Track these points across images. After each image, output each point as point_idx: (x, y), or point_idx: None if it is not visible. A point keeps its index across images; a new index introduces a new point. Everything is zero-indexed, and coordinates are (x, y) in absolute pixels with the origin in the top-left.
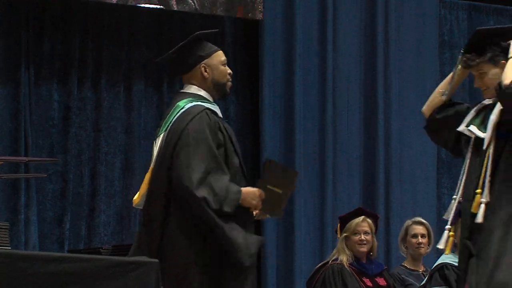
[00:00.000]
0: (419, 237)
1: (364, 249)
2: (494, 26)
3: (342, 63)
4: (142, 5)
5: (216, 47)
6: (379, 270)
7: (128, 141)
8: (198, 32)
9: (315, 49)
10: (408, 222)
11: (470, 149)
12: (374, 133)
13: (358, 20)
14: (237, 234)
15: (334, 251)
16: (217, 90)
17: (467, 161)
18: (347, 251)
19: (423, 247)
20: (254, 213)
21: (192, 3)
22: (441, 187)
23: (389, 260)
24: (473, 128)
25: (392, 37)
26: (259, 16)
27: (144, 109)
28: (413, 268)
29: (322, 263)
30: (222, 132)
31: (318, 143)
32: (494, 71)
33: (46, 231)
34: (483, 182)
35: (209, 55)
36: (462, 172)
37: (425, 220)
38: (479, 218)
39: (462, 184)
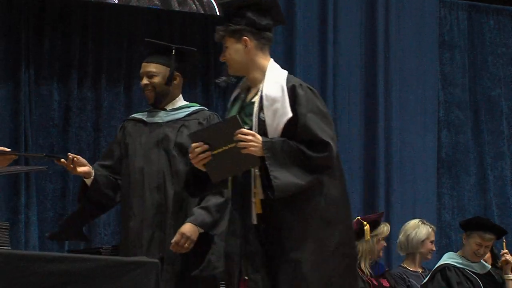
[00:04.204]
0: (433, 244)
1: (381, 253)
2: None
3: (342, 63)
4: (142, 5)
5: (144, 60)
6: (382, 271)
7: None
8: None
9: (315, 49)
10: (427, 228)
11: None
12: (374, 133)
13: (358, 20)
14: None
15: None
16: None
17: None
18: (375, 254)
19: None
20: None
21: (192, 3)
22: (441, 187)
23: (389, 260)
24: None
25: (392, 37)
26: None
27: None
28: (413, 269)
29: None
30: (124, 134)
31: None
32: (236, 46)
33: (46, 231)
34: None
35: None
36: None
37: (426, 220)
38: None
39: None
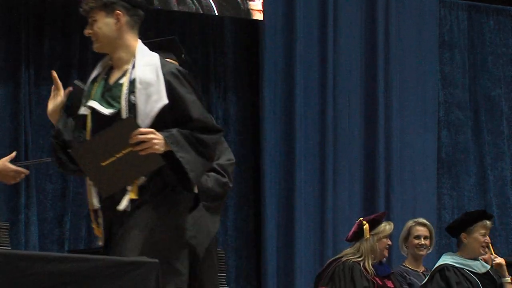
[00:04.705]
0: (422, 239)
1: (386, 253)
2: None
3: (342, 63)
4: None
5: None
6: (388, 272)
7: None
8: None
9: (315, 49)
10: (411, 222)
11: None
12: (374, 133)
13: (358, 20)
14: None
15: (352, 250)
16: None
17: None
18: (377, 253)
19: (425, 249)
20: None
21: (191, 3)
22: (441, 187)
23: (390, 260)
24: (93, 103)
25: (392, 37)
26: (259, 16)
27: None
28: (413, 269)
29: (334, 258)
30: None
31: (318, 143)
32: (106, 20)
33: (46, 231)
34: None
35: None
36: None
37: (426, 220)
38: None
39: None
